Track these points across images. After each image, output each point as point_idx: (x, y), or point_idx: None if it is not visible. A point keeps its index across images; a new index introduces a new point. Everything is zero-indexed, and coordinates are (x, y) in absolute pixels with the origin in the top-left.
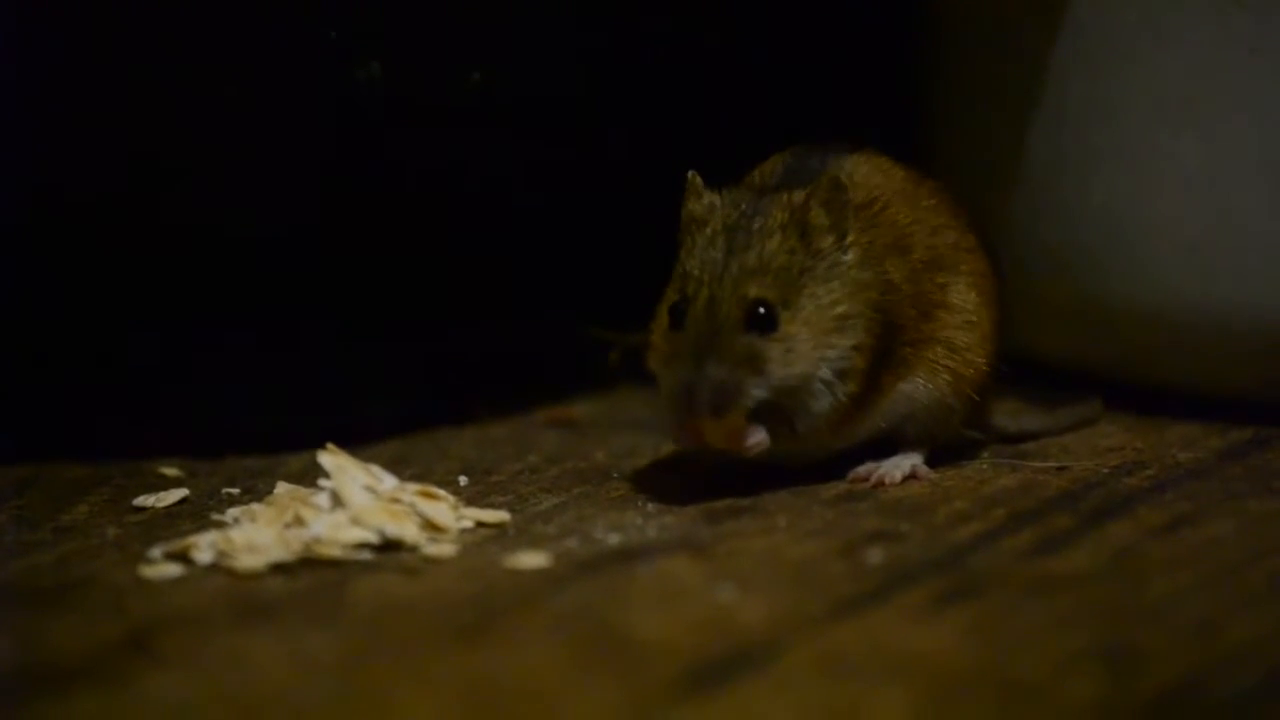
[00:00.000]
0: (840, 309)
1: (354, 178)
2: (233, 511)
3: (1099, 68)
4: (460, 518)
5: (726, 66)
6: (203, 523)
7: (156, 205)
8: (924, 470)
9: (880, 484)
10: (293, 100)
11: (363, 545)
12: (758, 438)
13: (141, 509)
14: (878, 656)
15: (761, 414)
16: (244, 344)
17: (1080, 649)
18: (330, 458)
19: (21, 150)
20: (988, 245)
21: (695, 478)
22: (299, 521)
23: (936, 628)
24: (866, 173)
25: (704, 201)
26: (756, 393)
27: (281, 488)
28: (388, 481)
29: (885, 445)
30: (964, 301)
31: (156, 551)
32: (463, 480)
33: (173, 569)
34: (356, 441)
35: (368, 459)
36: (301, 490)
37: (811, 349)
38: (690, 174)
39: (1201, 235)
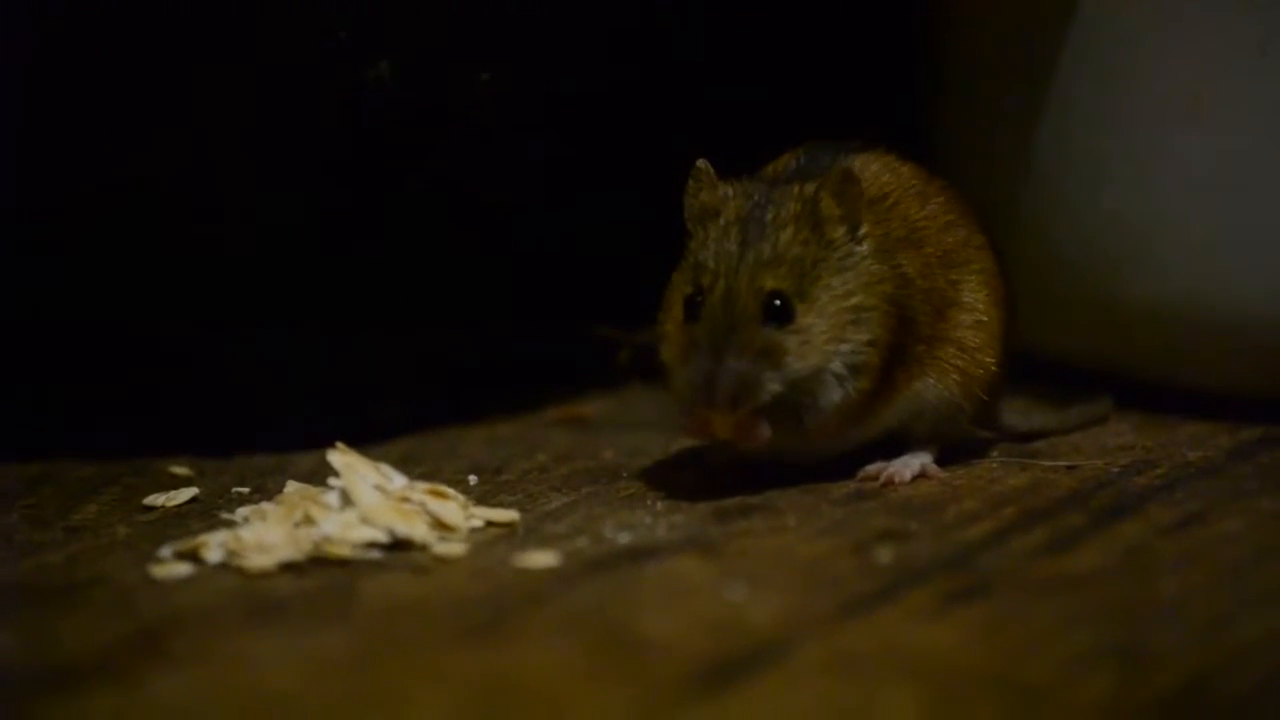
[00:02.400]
0: (855, 300)
1: (363, 177)
2: (242, 510)
3: (1107, 68)
4: (470, 517)
5: (736, 67)
6: (212, 522)
7: (165, 204)
8: (933, 469)
9: (890, 483)
10: (302, 100)
11: (372, 544)
12: (760, 431)
13: (151, 508)
14: (888, 655)
15: (769, 407)
16: (253, 343)
17: (1091, 647)
18: (340, 456)
19: (26, 148)
20: (995, 245)
21: (705, 476)
22: (309, 520)
23: (946, 626)
24: (877, 170)
25: (717, 192)
26: (773, 386)
27: (291, 486)
28: (397, 480)
29: (894, 444)
30: (975, 300)
31: (166, 551)
32: (472, 479)
33: (183, 568)
34: (366, 440)
35: (377, 458)
36: (311, 489)
37: (826, 341)
38: (700, 162)
39: (1210, 234)
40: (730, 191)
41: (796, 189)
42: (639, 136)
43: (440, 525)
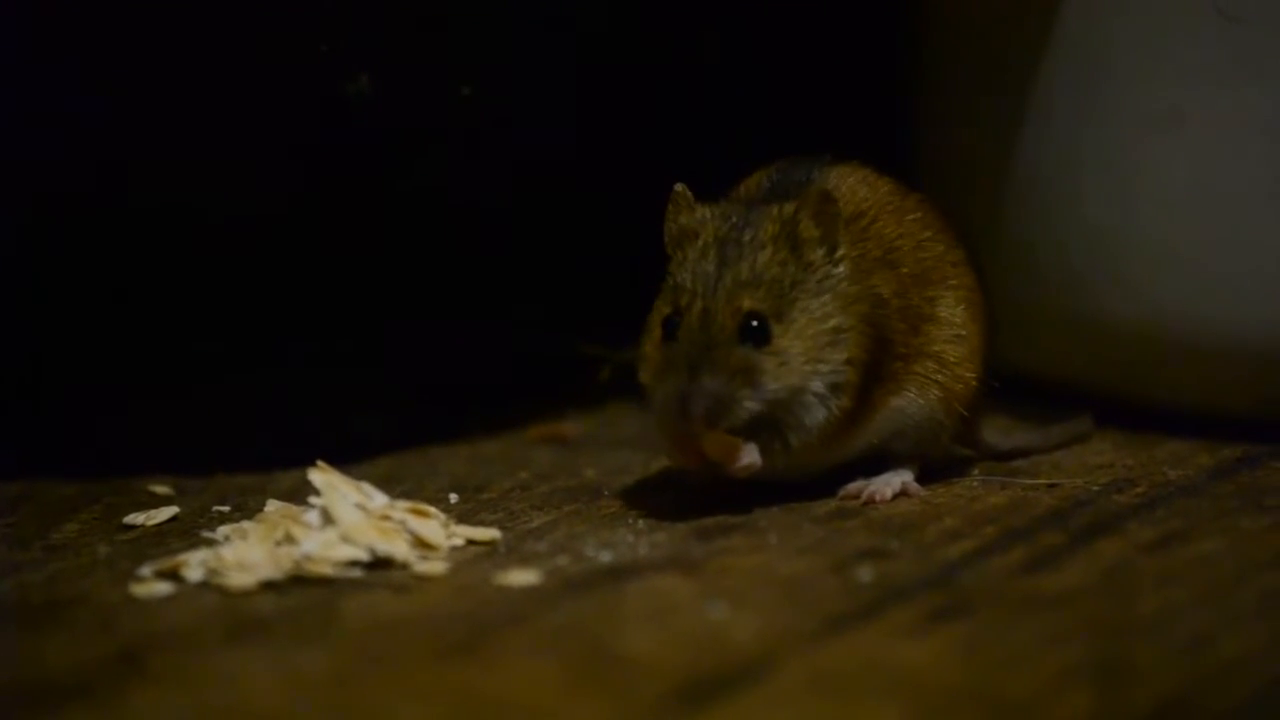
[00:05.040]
0: (832, 322)
1: (344, 191)
2: (223, 529)
3: (1088, 81)
4: (451, 535)
5: (718, 80)
6: (193, 540)
7: (146, 219)
8: (914, 487)
9: (871, 501)
10: (283, 113)
11: (353, 563)
12: (750, 459)
13: (132, 527)
14: (869, 674)
15: (755, 429)
16: (234, 361)
17: (1071, 665)
18: (321, 475)
19: (13, 172)
20: (974, 260)
21: (686, 495)
22: (289, 539)
23: (927, 645)
24: (852, 185)
25: (695, 214)
26: (749, 405)
27: (272, 505)
28: (378, 499)
29: (875, 462)
30: (952, 315)
31: (147, 569)
32: (453, 497)
33: (163, 587)
34: (347, 459)
35: (358, 476)
36: (292, 508)
37: (804, 362)
38: (678, 187)
39: (1190, 251)
40: (708, 214)
41: (775, 210)
42: (622, 151)
43: (421, 544)
